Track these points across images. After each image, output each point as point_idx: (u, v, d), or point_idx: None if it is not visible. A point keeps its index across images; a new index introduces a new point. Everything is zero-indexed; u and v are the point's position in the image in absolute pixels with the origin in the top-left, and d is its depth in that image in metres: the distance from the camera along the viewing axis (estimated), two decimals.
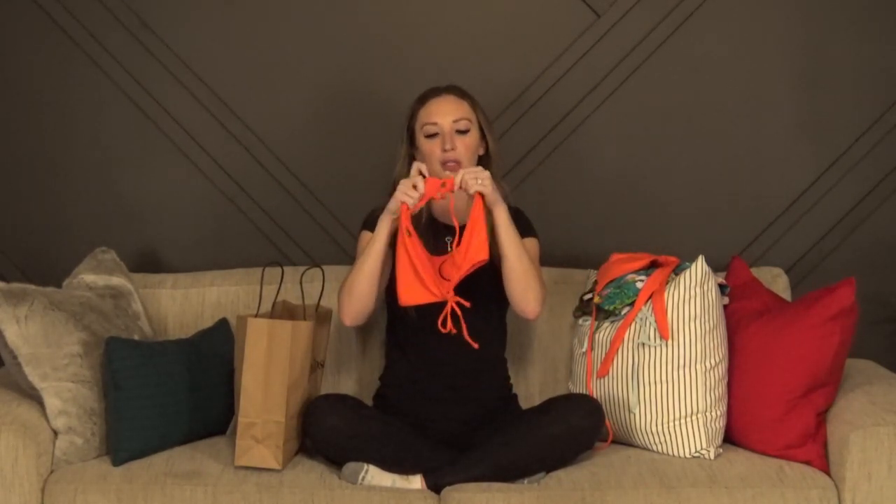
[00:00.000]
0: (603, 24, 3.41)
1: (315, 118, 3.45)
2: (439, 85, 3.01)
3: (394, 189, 2.85)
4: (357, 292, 2.87)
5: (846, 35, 3.41)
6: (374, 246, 2.85)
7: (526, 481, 2.77)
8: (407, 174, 2.93)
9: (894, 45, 3.41)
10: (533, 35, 3.43)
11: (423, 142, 2.96)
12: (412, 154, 3.01)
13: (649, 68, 3.42)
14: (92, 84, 3.44)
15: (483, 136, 3.00)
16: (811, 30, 3.41)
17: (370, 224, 2.98)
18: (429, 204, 2.93)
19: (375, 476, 2.76)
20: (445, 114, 2.95)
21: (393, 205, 2.82)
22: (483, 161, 3.00)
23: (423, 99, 2.99)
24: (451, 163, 2.93)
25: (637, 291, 2.98)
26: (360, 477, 2.74)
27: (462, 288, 2.81)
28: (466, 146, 2.95)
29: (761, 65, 3.42)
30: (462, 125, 2.95)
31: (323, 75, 3.43)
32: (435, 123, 2.94)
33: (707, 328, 2.91)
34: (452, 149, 2.92)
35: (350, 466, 2.76)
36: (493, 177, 2.98)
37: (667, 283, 2.96)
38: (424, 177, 2.83)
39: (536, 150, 3.44)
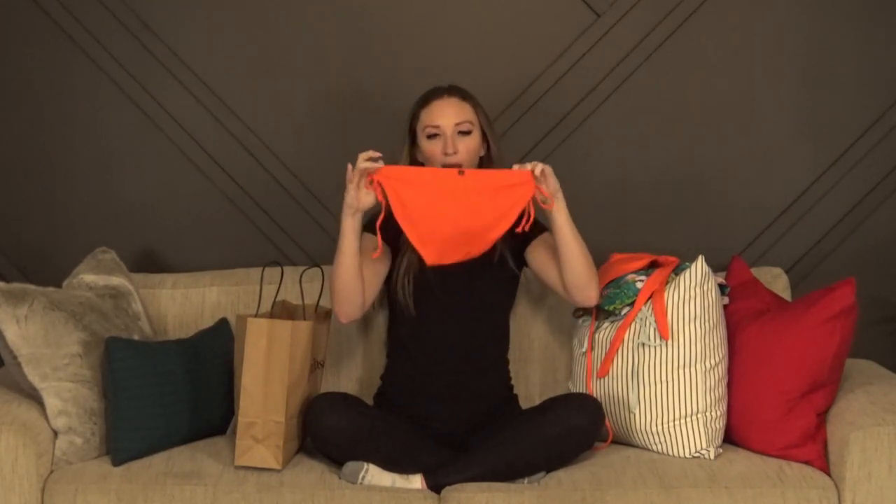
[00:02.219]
0: (603, 24, 3.41)
1: (315, 118, 3.45)
2: (440, 85, 3.01)
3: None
4: (343, 291, 2.87)
5: (846, 35, 3.41)
6: (342, 243, 2.83)
7: (526, 481, 2.77)
8: None
9: (894, 45, 3.42)
10: (533, 35, 3.42)
11: (424, 143, 2.96)
12: (414, 155, 3.01)
13: (649, 68, 3.42)
14: (92, 84, 3.44)
15: (484, 138, 3.00)
16: (811, 30, 3.41)
17: (374, 228, 2.99)
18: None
19: (375, 476, 2.76)
20: (448, 116, 2.94)
21: (361, 201, 2.80)
22: (484, 162, 3.01)
23: (426, 100, 2.98)
24: (452, 166, 2.93)
25: (637, 291, 2.98)
26: (360, 476, 2.74)
27: (467, 289, 2.87)
28: (468, 148, 2.95)
29: (761, 65, 3.42)
30: (464, 127, 2.94)
31: (323, 75, 3.44)
32: (437, 126, 2.94)
33: (707, 328, 2.91)
34: (455, 152, 2.92)
35: (350, 466, 2.76)
36: None
37: (667, 283, 2.96)
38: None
39: (536, 150, 3.44)
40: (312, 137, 3.46)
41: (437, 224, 2.77)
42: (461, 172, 2.77)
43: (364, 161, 2.78)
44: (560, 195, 2.81)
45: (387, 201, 2.77)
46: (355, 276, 2.85)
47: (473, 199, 2.76)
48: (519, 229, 2.79)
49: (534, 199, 2.79)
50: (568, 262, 2.86)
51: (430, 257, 2.79)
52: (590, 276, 2.88)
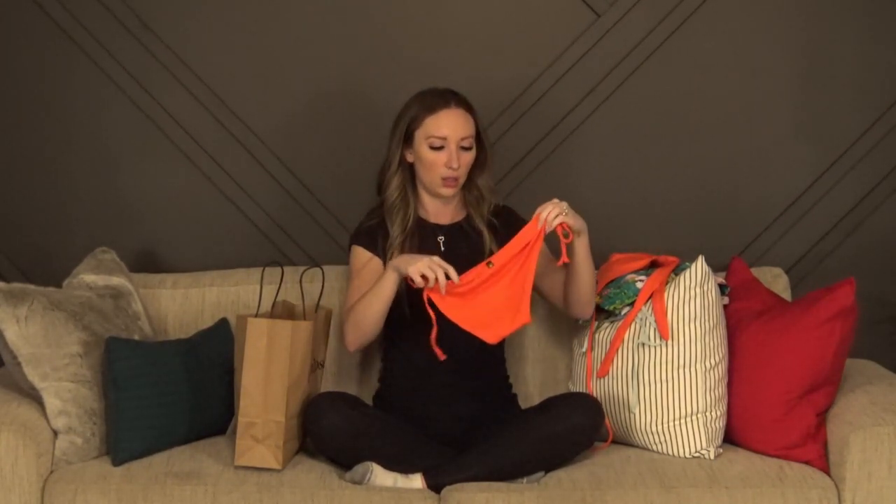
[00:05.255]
0: (603, 24, 3.41)
1: (315, 118, 3.45)
2: (436, 87, 3.01)
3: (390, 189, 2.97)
4: (366, 330, 2.90)
5: (846, 35, 3.41)
6: (382, 293, 2.84)
7: (525, 480, 2.77)
8: (399, 175, 3.00)
9: (894, 45, 3.42)
10: (533, 35, 3.42)
11: (426, 151, 2.96)
12: (404, 155, 3.01)
13: (649, 68, 3.42)
14: (92, 84, 3.44)
15: (479, 145, 3.01)
16: (811, 30, 3.41)
17: (361, 239, 3.01)
18: (416, 203, 3.02)
19: (379, 476, 2.76)
20: (455, 128, 2.95)
21: (409, 271, 2.78)
22: (474, 167, 3.02)
23: (432, 107, 2.97)
24: (450, 180, 2.95)
25: (637, 291, 2.98)
26: (367, 478, 2.74)
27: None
28: (467, 164, 2.99)
29: (761, 65, 3.42)
30: (467, 143, 2.97)
31: (323, 75, 3.44)
32: (444, 137, 2.94)
33: (707, 328, 2.91)
34: (458, 167, 2.95)
35: (357, 470, 2.75)
36: (485, 182, 3.04)
37: (667, 283, 2.96)
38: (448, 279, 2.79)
39: (536, 149, 3.44)
40: (312, 137, 3.46)
41: (480, 312, 2.80)
42: (490, 264, 2.79)
43: (441, 276, 2.77)
44: (584, 233, 2.83)
45: (435, 310, 2.79)
46: (383, 317, 2.88)
47: (499, 279, 2.80)
48: (559, 263, 2.87)
49: (554, 233, 2.79)
50: (576, 285, 2.92)
51: (491, 337, 2.81)
52: (591, 296, 2.96)
